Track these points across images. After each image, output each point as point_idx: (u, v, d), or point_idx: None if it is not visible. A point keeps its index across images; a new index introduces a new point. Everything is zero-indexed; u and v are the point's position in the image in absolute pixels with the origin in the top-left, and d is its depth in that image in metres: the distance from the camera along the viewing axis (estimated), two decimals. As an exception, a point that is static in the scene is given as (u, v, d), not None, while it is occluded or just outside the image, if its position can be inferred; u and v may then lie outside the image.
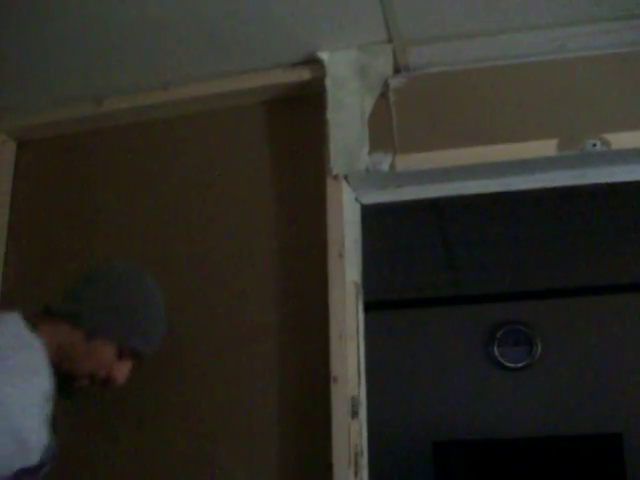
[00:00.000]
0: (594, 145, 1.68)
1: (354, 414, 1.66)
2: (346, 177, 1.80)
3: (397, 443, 4.07)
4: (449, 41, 1.79)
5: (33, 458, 1.23)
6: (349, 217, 1.80)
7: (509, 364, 4.28)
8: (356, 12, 1.70)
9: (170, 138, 2.04)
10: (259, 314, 1.83)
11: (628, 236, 3.39)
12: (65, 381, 1.40)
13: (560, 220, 3.17)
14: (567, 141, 1.70)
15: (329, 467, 1.62)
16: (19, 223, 2.12)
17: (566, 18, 1.71)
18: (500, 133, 1.75)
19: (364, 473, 1.69)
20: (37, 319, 1.41)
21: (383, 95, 1.83)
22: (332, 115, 1.81)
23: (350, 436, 1.63)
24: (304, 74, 1.89)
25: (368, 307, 1.83)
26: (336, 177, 1.78)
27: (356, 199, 1.87)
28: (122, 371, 1.47)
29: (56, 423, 1.35)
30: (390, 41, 1.80)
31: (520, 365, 4.27)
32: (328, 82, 1.83)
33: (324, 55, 1.84)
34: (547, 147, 1.71)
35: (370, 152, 1.78)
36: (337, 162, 1.78)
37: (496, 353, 4.29)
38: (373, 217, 1.98)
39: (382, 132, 1.80)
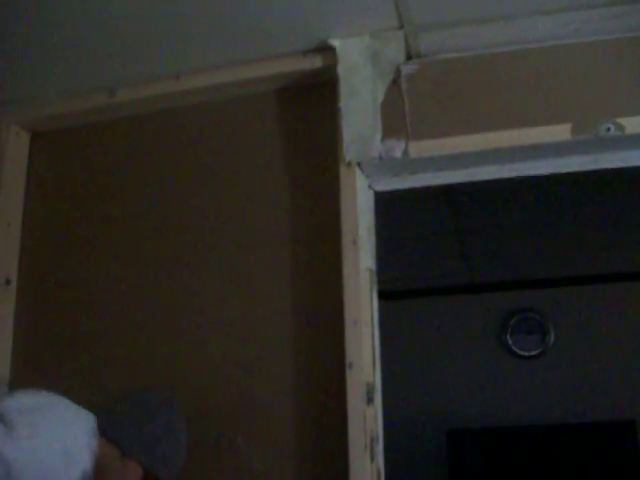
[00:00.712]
0: (608, 129, 1.67)
1: (369, 400, 1.66)
2: (359, 164, 1.80)
3: (411, 431, 4.09)
4: (461, 27, 1.78)
5: None
6: (363, 204, 1.80)
7: (522, 352, 4.29)
8: (367, -1, 1.69)
9: (183, 128, 2.05)
10: (273, 302, 1.84)
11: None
12: None
13: (573, 207, 3.16)
14: (581, 126, 1.69)
15: (345, 453, 1.63)
16: (33, 213, 2.14)
17: (580, 2, 1.69)
18: (513, 118, 1.74)
19: (380, 459, 1.70)
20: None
21: (395, 82, 1.82)
22: (344, 102, 1.80)
23: (366, 422, 1.64)
24: (316, 62, 1.88)
25: (381, 296, 1.83)
26: (349, 164, 1.78)
27: (369, 186, 1.87)
28: None
29: None
30: (401, 27, 1.79)
31: (533, 353, 4.28)
32: (340, 69, 1.82)
33: (336, 42, 1.83)
34: (561, 132, 1.70)
35: (383, 139, 1.78)
36: (350, 149, 1.78)
37: (509, 341, 4.30)
38: (386, 205, 1.98)
39: (395, 119, 1.79)
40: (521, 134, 1.72)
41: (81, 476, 1.38)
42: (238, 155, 1.97)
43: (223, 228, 1.94)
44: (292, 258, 1.85)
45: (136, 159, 2.08)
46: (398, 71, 1.82)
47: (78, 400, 1.50)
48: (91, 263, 2.04)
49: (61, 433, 1.39)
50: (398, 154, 1.77)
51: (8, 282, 2.06)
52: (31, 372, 2.00)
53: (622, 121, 1.66)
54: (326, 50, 1.85)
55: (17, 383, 1.96)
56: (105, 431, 1.46)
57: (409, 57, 1.85)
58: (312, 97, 1.94)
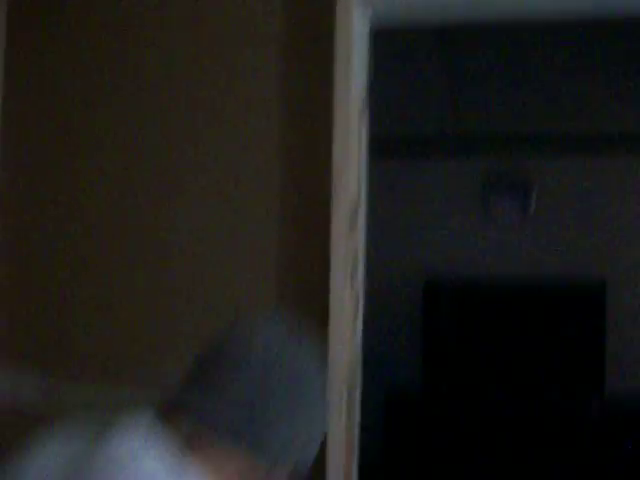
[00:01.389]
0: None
1: (352, 226, 1.67)
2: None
3: (389, 285, 4.18)
4: None
5: None
6: (358, 32, 1.74)
7: (502, 216, 4.35)
8: None
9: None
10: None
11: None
12: None
13: (572, 58, 3.03)
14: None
15: (326, 278, 1.66)
16: (13, 97, 1.98)
17: None
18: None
19: (360, 289, 1.73)
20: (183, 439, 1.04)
21: None
22: None
23: (348, 247, 1.66)
24: None
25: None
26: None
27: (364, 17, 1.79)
28: None
29: None
30: None
31: (514, 217, 4.35)
32: None
33: None
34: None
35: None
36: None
37: (490, 204, 4.35)
38: (383, 44, 1.90)
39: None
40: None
41: None
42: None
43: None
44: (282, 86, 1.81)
45: (120, 43, 1.93)
46: None
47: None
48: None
49: None
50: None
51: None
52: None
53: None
54: None
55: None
56: (237, 445, 1.03)
57: None
58: None
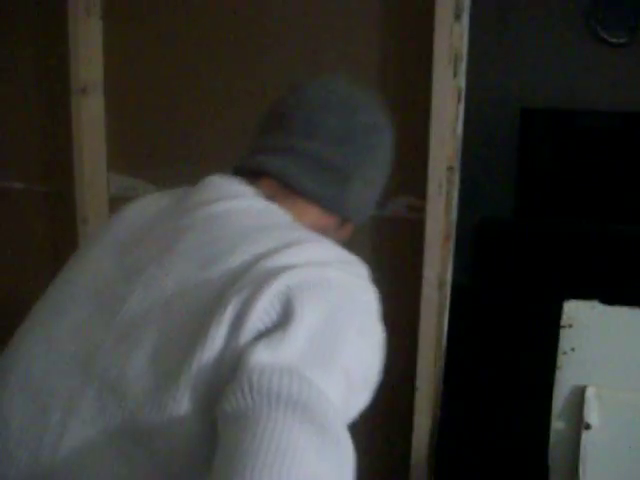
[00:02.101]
0: None
1: (457, 17, 1.71)
2: None
3: (487, 109, 4.14)
4: None
5: None
6: None
7: (609, 38, 4.16)
8: None
9: None
10: None
11: None
12: None
13: None
14: None
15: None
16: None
17: None
18: None
19: (462, 83, 1.79)
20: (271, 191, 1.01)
21: None
22: None
23: (452, 38, 1.71)
24: None
25: None
26: None
27: None
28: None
29: None
30: None
31: (622, 41, 4.15)
32: None
33: None
34: None
35: None
36: None
37: (597, 26, 4.16)
38: None
39: None
40: None
41: None
42: None
43: None
44: None
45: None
46: None
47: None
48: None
49: None
50: None
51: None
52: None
53: None
54: None
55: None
56: (313, 198, 1.02)
57: None
58: None
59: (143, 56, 2.09)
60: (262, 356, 0.73)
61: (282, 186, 1.01)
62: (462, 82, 1.79)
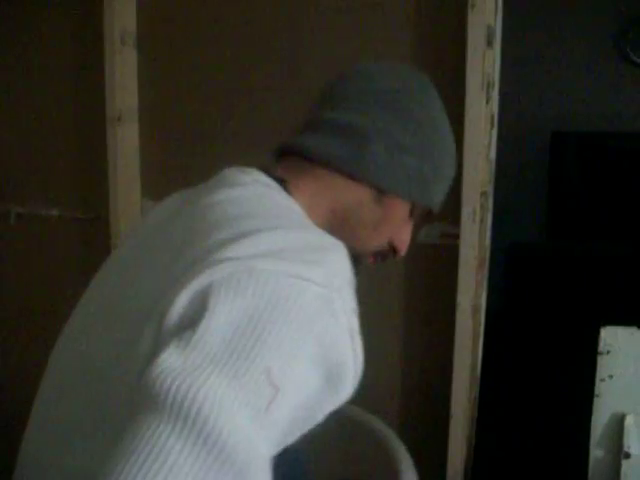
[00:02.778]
0: None
1: (489, 44, 1.72)
2: None
3: (517, 132, 4.13)
4: None
5: None
6: None
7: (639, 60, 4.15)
8: None
9: None
10: None
11: None
12: None
13: None
14: None
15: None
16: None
17: None
18: None
19: (494, 104, 1.79)
20: (284, 171, 0.99)
21: None
22: None
23: (484, 63, 1.71)
24: None
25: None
26: None
27: None
28: (406, 239, 1.07)
29: None
30: None
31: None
32: None
33: None
34: None
35: None
36: None
37: (627, 48, 4.14)
38: None
39: None
40: None
41: None
42: None
43: None
44: None
45: None
46: None
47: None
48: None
49: None
50: None
51: None
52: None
53: None
54: None
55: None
56: (333, 164, 0.97)
57: None
58: None
59: (177, 84, 2.13)
60: (169, 357, 0.68)
61: (301, 161, 0.98)
62: (495, 108, 1.79)
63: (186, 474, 0.62)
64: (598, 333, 1.62)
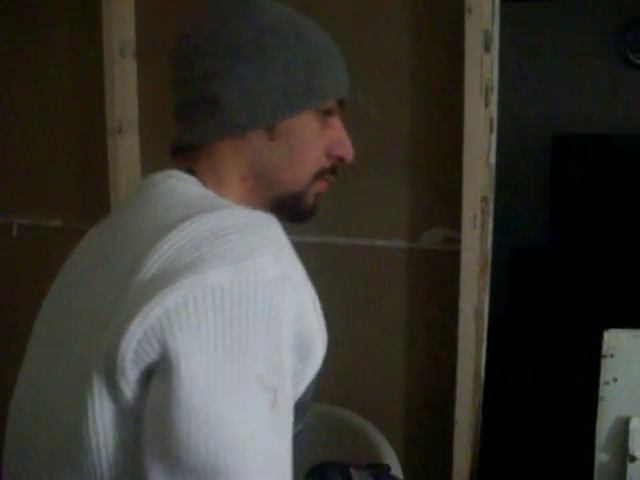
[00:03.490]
0: None
1: (486, 48, 1.72)
2: None
3: (518, 135, 4.13)
4: None
5: None
6: None
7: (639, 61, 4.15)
8: None
9: None
10: None
11: None
12: (292, 211, 0.97)
13: None
14: None
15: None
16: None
17: None
18: None
19: (493, 108, 1.79)
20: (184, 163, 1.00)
21: None
22: None
23: (482, 68, 1.71)
24: None
25: None
26: None
27: None
28: (342, 138, 0.99)
29: None
30: None
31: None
32: None
33: None
34: None
35: None
36: None
37: (626, 50, 4.15)
38: None
39: None
40: None
41: None
42: None
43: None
44: None
45: None
46: None
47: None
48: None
49: None
50: None
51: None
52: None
53: None
54: None
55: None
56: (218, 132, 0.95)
57: None
58: None
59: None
60: (158, 393, 0.70)
61: (190, 149, 0.98)
62: (494, 112, 1.79)
63: None
64: (601, 336, 1.62)
